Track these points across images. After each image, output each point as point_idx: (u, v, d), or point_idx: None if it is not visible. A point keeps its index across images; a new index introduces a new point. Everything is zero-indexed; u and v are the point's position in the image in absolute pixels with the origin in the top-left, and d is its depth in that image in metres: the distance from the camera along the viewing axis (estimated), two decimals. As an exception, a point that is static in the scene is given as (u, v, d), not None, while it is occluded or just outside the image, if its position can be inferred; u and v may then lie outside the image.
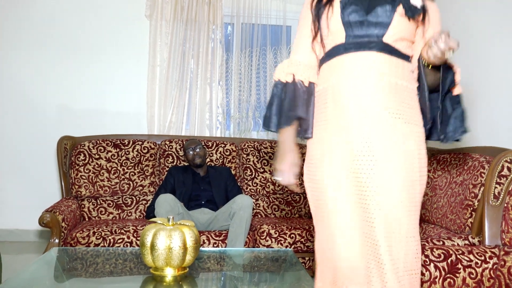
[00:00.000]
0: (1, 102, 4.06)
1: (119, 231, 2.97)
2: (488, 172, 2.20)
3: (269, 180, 3.73)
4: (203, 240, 2.99)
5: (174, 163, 3.63)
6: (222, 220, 3.11)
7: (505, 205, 2.08)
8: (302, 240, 3.17)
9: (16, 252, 3.75)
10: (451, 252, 1.94)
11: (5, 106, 4.06)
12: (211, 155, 3.70)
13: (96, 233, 2.94)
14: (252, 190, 3.71)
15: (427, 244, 2.13)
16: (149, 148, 3.63)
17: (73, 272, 2.31)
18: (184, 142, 3.69)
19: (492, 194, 2.15)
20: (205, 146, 3.65)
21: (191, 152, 3.41)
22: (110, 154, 3.54)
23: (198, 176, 3.43)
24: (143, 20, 4.14)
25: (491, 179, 2.15)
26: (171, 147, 3.67)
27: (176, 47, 4.06)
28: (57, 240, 2.90)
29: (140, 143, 3.63)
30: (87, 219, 3.40)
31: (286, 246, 3.13)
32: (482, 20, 3.02)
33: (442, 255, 1.92)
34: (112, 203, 3.48)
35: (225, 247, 2.99)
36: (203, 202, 3.31)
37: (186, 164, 3.61)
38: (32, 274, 2.15)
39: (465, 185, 2.36)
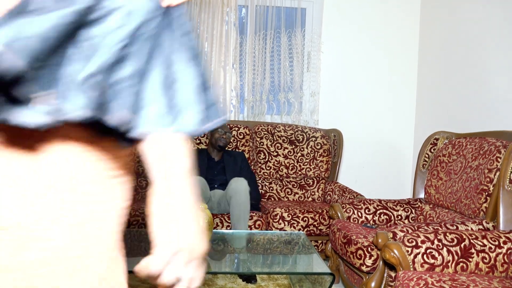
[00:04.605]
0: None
1: (134, 213, 3.01)
2: (504, 156, 2.17)
3: (283, 163, 3.74)
4: (217, 223, 3.02)
5: (188, 146, 3.65)
6: (224, 204, 3.11)
7: (521, 190, 2.05)
8: (315, 223, 3.18)
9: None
10: (464, 236, 1.93)
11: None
12: (225, 138, 3.72)
13: (112, 215, 2.99)
14: (266, 174, 3.72)
15: (440, 229, 2.12)
16: (163, 131, 3.66)
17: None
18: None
19: (508, 179, 2.12)
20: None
21: (219, 130, 3.42)
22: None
23: (213, 161, 3.44)
24: (157, 3, 4.13)
25: (507, 164, 2.12)
26: (185, 130, 3.69)
27: (190, 30, 4.04)
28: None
29: (154, 126, 3.66)
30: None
31: (299, 229, 3.14)
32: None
33: (455, 240, 1.91)
34: (127, 185, 3.54)
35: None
36: (215, 186, 3.33)
37: (200, 147, 3.63)
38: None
39: (481, 169, 2.33)
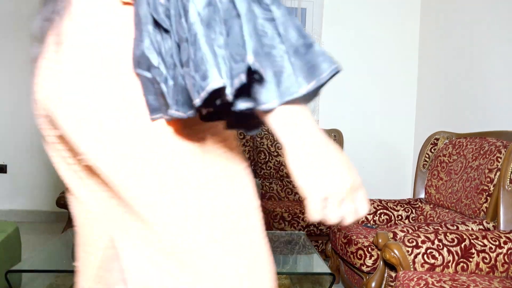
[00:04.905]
0: (19, 84, 4.11)
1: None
2: (504, 156, 2.17)
3: (283, 163, 3.74)
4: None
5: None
6: None
7: (521, 190, 2.05)
8: (315, 223, 3.18)
9: (34, 233, 3.84)
10: (465, 236, 1.93)
11: (23, 89, 4.11)
12: (225, 138, 3.72)
13: (112, 215, 2.99)
14: (266, 174, 3.72)
15: (440, 229, 2.12)
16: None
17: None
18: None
19: (508, 179, 2.12)
20: None
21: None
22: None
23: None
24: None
25: (508, 164, 2.12)
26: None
27: (190, 30, 4.04)
28: (74, 221, 2.96)
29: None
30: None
31: (299, 229, 3.14)
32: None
33: (455, 240, 1.92)
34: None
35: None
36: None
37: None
38: (50, 254, 2.21)
39: (481, 169, 2.33)
